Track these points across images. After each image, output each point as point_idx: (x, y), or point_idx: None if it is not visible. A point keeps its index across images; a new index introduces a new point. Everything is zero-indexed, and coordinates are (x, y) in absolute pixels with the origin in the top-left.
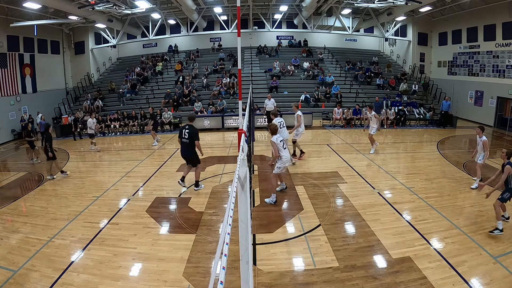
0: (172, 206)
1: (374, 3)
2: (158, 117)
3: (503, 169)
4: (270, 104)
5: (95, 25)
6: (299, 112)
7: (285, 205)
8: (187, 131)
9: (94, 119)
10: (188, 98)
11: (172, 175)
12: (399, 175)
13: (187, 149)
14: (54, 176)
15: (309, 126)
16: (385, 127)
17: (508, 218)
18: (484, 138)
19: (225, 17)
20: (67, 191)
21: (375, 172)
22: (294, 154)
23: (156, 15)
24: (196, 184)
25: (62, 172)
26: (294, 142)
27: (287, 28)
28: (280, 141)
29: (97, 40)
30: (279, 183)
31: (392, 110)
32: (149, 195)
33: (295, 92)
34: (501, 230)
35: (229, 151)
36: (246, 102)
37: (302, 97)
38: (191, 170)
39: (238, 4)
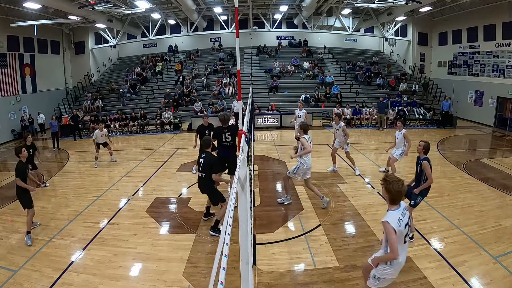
0: (172, 206)
1: (374, 3)
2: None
3: (418, 163)
4: (238, 105)
5: (95, 25)
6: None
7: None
8: (228, 133)
9: None
10: (188, 98)
11: (172, 175)
12: (399, 175)
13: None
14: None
15: (309, 126)
16: (385, 127)
17: (412, 238)
18: (404, 131)
19: (225, 17)
20: (67, 191)
21: (375, 172)
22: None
23: (156, 15)
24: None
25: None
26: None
27: (287, 28)
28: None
29: (97, 40)
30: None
31: (392, 110)
32: (149, 195)
33: (295, 92)
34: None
35: None
36: (247, 102)
37: (302, 97)
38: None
39: (236, 5)
